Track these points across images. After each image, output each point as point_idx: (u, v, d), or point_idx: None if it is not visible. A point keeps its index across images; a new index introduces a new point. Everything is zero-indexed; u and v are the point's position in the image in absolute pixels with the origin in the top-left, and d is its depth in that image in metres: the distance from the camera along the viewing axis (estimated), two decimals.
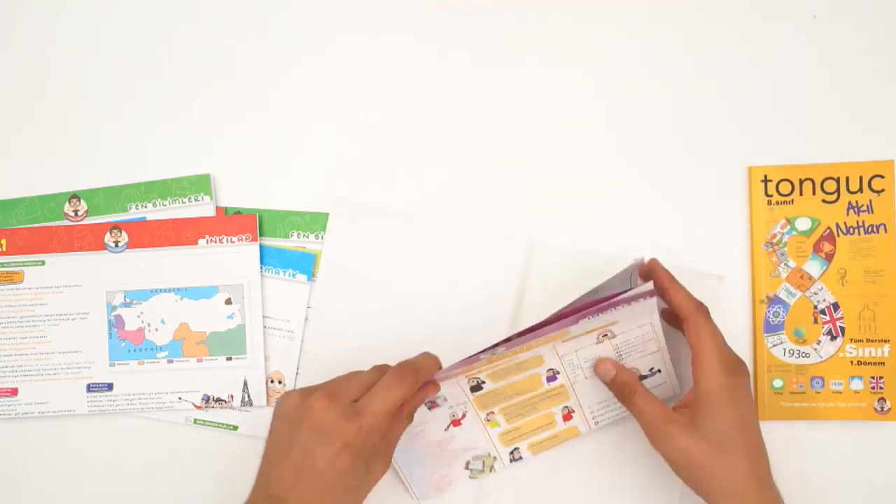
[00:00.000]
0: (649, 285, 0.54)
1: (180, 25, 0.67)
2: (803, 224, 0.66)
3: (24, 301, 0.66)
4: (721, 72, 0.67)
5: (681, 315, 0.58)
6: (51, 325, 0.66)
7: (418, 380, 0.55)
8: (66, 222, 0.66)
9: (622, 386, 0.60)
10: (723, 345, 0.57)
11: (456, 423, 0.63)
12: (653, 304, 0.57)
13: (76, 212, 0.66)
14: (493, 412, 0.63)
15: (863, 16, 0.67)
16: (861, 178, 0.65)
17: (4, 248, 0.66)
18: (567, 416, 0.64)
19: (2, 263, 0.66)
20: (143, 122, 0.67)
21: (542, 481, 0.65)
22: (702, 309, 0.58)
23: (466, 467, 0.65)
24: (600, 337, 0.60)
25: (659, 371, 0.62)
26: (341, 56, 0.67)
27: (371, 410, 0.52)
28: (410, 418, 0.59)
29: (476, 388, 0.61)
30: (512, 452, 0.65)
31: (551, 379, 0.62)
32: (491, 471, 0.65)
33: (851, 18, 0.67)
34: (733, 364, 0.57)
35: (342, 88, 0.67)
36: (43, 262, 0.66)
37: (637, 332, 0.60)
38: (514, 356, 0.59)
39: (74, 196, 0.66)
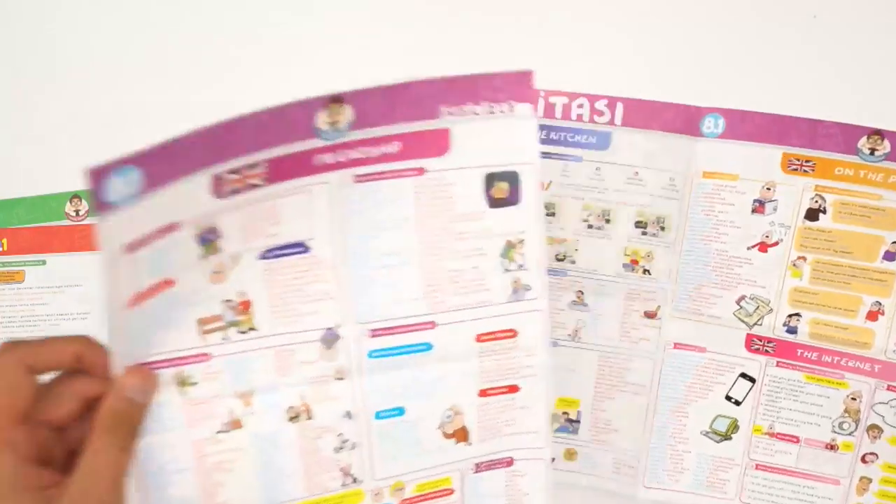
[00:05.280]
0: None
1: (182, 26, 0.67)
2: None
3: (25, 301, 0.66)
4: (721, 71, 0.67)
5: None
6: (51, 325, 0.66)
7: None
8: (67, 222, 0.66)
9: None
10: None
11: (763, 247, 0.56)
12: None
13: (77, 212, 0.66)
14: (804, 257, 0.55)
15: (863, 16, 0.67)
16: None
17: (5, 248, 0.66)
18: (872, 316, 0.56)
19: (3, 263, 0.66)
20: (145, 122, 0.67)
21: None
22: None
23: (739, 301, 0.57)
24: None
25: None
26: (341, 56, 0.67)
27: None
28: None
29: (813, 215, 0.55)
30: (790, 317, 0.56)
31: (889, 257, 0.55)
32: (758, 323, 0.57)
33: (851, 18, 0.67)
34: None
35: (342, 87, 0.67)
36: (44, 262, 0.66)
37: None
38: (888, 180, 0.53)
39: (76, 196, 0.66)
